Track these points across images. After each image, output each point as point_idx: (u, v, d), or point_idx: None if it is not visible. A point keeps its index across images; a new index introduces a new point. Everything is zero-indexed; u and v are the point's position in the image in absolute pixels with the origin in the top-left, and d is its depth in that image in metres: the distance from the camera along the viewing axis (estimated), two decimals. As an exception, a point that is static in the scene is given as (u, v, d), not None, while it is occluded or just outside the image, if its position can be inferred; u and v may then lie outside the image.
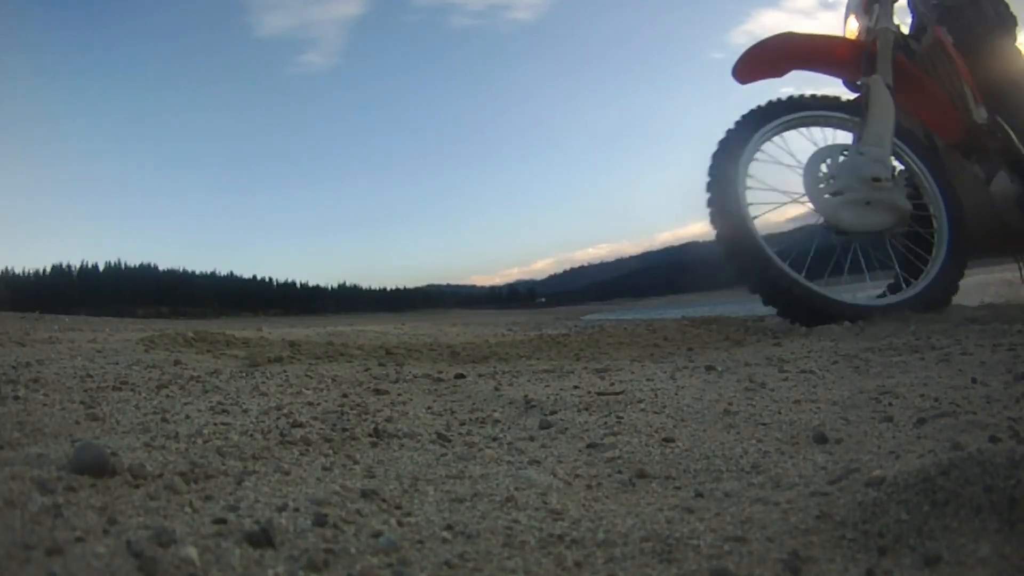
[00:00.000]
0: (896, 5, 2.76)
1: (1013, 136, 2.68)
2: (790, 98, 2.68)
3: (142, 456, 0.71)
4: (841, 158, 2.49)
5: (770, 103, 2.68)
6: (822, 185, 2.49)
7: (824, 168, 2.50)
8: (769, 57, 2.71)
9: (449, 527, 0.59)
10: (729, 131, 2.62)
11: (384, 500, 0.65)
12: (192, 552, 0.48)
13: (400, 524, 0.60)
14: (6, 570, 0.44)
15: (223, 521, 0.55)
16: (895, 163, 2.59)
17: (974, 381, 1.11)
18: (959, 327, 1.92)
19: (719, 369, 1.46)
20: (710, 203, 2.43)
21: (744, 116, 2.68)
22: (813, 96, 2.72)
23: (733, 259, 2.36)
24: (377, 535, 0.56)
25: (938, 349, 1.56)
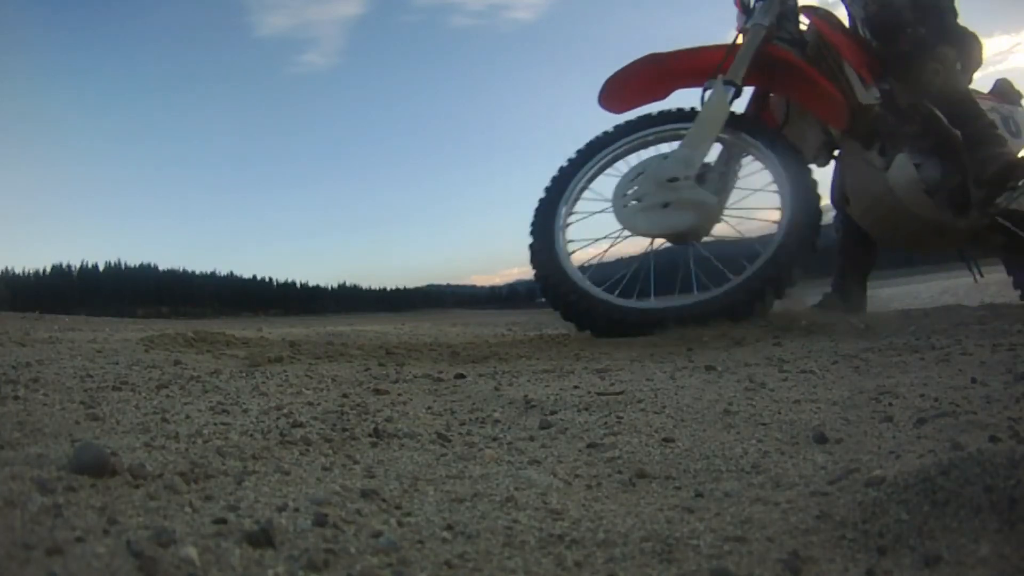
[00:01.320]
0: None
1: (940, 116, 2.52)
2: (633, 119, 2.66)
3: (142, 456, 0.71)
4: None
5: (609, 131, 2.66)
6: (624, 196, 2.40)
7: (631, 179, 2.44)
8: (639, 82, 2.66)
9: (449, 527, 0.59)
10: (561, 167, 2.63)
11: (384, 500, 0.65)
12: (192, 552, 0.48)
13: (400, 524, 0.60)
14: (6, 570, 0.44)
15: (223, 521, 0.55)
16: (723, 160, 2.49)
17: (974, 381, 1.11)
18: (959, 327, 1.92)
19: (719, 369, 1.46)
20: (530, 247, 2.48)
21: (580, 149, 2.66)
22: (661, 112, 2.65)
23: (538, 282, 2.38)
24: (377, 535, 0.56)
25: (938, 349, 1.56)
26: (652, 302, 2.26)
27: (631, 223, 2.34)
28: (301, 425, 0.91)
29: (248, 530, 0.53)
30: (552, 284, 2.32)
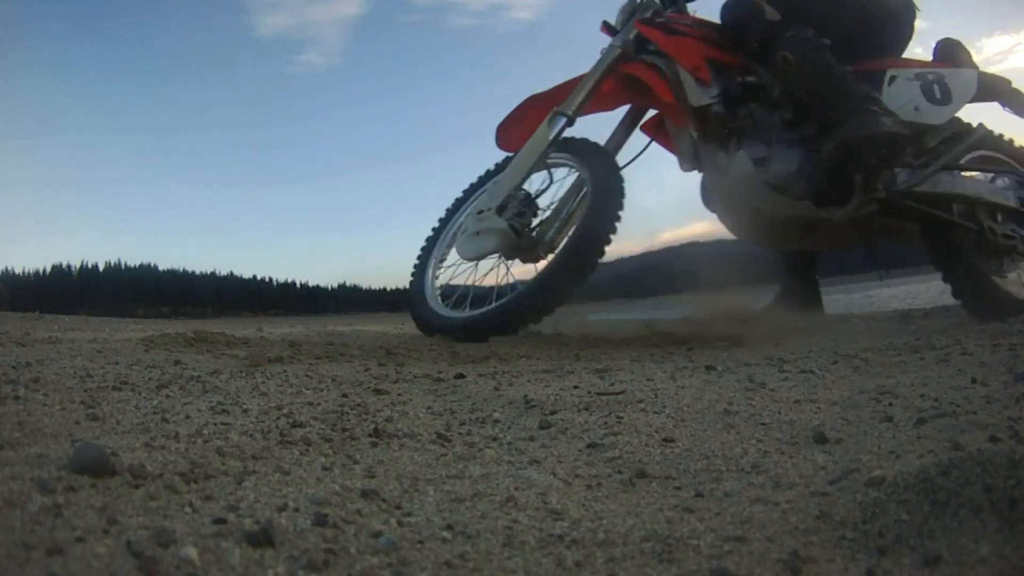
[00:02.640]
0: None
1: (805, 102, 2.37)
2: (501, 160, 2.76)
3: (142, 456, 0.71)
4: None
5: (489, 168, 2.80)
6: (458, 227, 2.67)
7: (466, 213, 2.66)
8: (526, 123, 2.70)
9: (449, 527, 0.59)
10: (447, 207, 2.84)
11: (384, 500, 0.65)
12: (192, 552, 0.48)
13: (400, 524, 0.60)
14: (6, 570, 0.44)
15: (223, 521, 0.55)
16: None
17: (974, 381, 1.11)
18: (959, 327, 1.92)
19: (719, 369, 1.46)
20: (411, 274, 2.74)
21: (465, 188, 2.84)
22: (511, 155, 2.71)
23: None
24: (377, 535, 0.56)
25: (938, 349, 1.56)
26: (455, 313, 2.50)
27: (458, 250, 2.60)
28: (301, 425, 0.91)
29: (248, 530, 0.53)
30: (411, 301, 2.66)
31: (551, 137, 2.48)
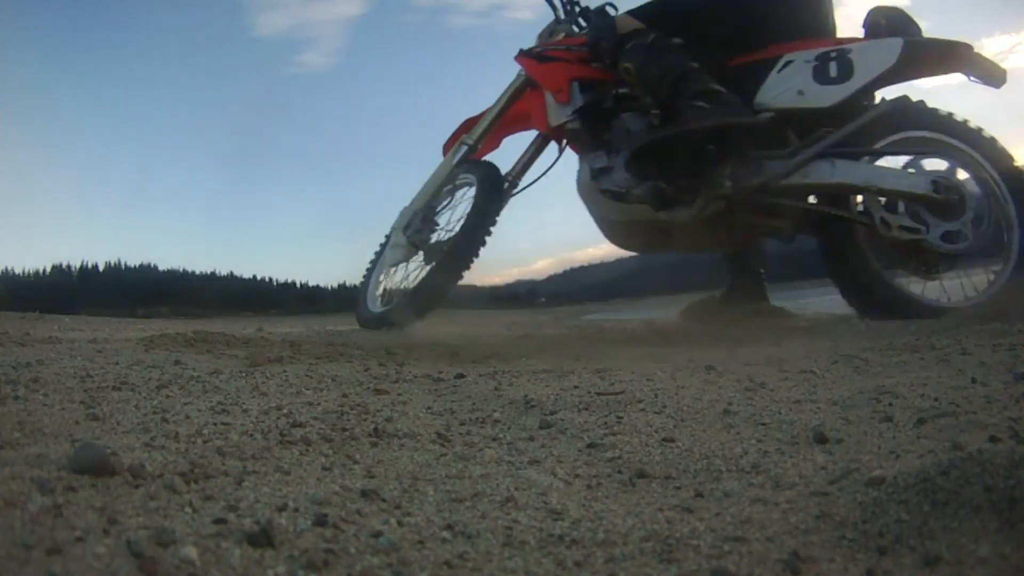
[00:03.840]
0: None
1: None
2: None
3: (142, 456, 0.71)
4: None
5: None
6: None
7: None
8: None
9: (449, 527, 0.59)
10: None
11: (384, 500, 0.65)
12: (192, 552, 0.48)
13: (400, 524, 0.60)
14: (6, 570, 0.44)
15: (223, 521, 0.55)
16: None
17: (974, 381, 1.11)
18: (959, 327, 1.92)
19: (719, 369, 1.46)
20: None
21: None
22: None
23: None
24: (377, 535, 0.56)
25: (938, 349, 1.56)
26: (378, 309, 2.89)
27: (386, 259, 2.98)
28: (301, 425, 0.91)
29: (248, 530, 0.53)
30: (355, 299, 3.05)
31: (453, 162, 2.85)
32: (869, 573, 0.49)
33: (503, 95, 2.87)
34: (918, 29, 2.42)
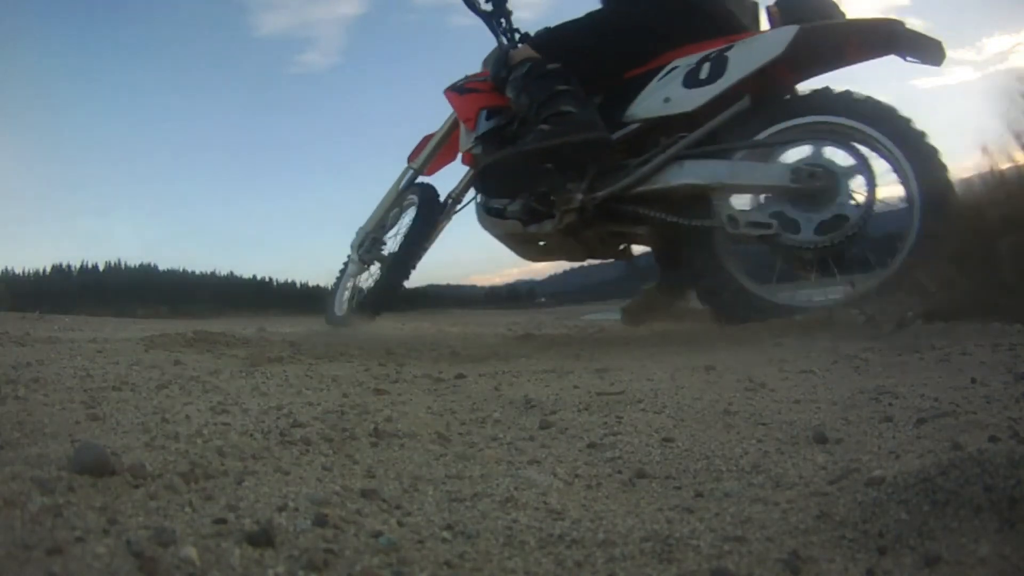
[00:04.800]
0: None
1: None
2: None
3: (142, 456, 0.71)
4: None
5: None
6: None
7: None
8: (442, 153, 3.15)
9: (449, 527, 0.59)
10: None
11: (384, 500, 0.65)
12: (192, 552, 0.48)
13: (400, 524, 0.60)
14: (6, 570, 0.44)
15: (223, 521, 0.55)
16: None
17: (974, 381, 1.11)
18: (959, 327, 1.92)
19: (719, 369, 1.46)
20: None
21: None
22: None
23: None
24: (377, 535, 0.56)
25: (938, 349, 1.56)
26: (342, 312, 3.26)
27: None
28: (301, 425, 0.91)
29: (248, 530, 0.53)
30: (326, 305, 3.40)
31: (400, 186, 3.16)
32: (869, 573, 0.49)
33: (445, 122, 3.07)
34: (836, 12, 2.30)
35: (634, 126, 2.31)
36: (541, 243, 2.60)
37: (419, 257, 3.04)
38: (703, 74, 2.23)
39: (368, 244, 3.18)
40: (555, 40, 2.51)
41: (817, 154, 2.16)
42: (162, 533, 0.50)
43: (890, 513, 0.55)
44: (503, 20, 2.78)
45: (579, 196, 2.29)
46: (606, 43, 2.42)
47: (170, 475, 0.65)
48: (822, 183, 2.07)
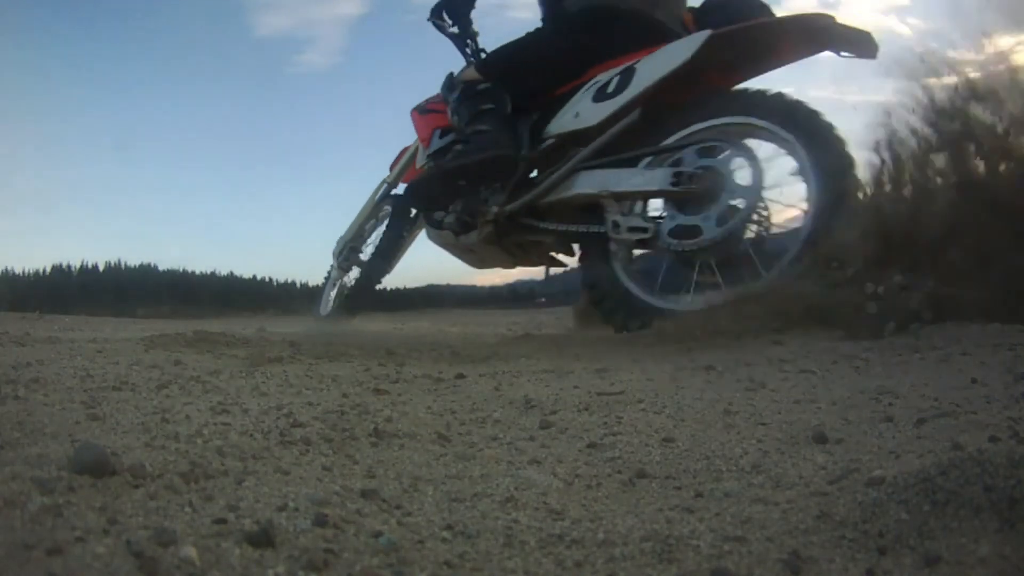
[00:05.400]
0: None
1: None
2: None
3: (142, 456, 0.71)
4: None
5: None
6: None
7: None
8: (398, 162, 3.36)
9: (449, 527, 0.59)
10: None
11: (384, 500, 0.65)
12: (192, 552, 0.48)
13: (400, 524, 0.60)
14: (6, 570, 0.44)
15: (223, 521, 0.55)
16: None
17: (974, 381, 1.11)
18: (959, 327, 1.92)
19: (719, 369, 1.46)
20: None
21: None
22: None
23: None
24: (377, 535, 0.56)
25: (938, 349, 1.56)
26: (324, 313, 3.56)
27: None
28: (301, 425, 0.91)
29: (248, 530, 0.53)
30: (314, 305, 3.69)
31: (376, 198, 3.35)
32: (869, 573, 0.49)
33: (414, 143, 3.18)
34: (765, 14, 2.30)
35: (550, 141, 2.40)
36: (473, 252, 2.74)
37: (389, 264, 3.31)
38: (610, 88, 2.28)
39: (347, 252, 3.44)
40: (496, 61, 2.63)
41: (711, 155, 2.15)
42: (162, 533, 0.50)
43: (890, 513, 0.55)
44: (469, 41, 2.84)
45: (494, 209, 2.44)
46: (540, 61, 2.51)
47: (170, 475, 0.65)
48: (704, 185, 2.08)
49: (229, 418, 0.95)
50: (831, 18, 2.12)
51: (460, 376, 1.45)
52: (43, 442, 0.76)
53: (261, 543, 0.51)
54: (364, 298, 3.40)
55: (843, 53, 2.12)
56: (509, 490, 0.70)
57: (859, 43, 2.10)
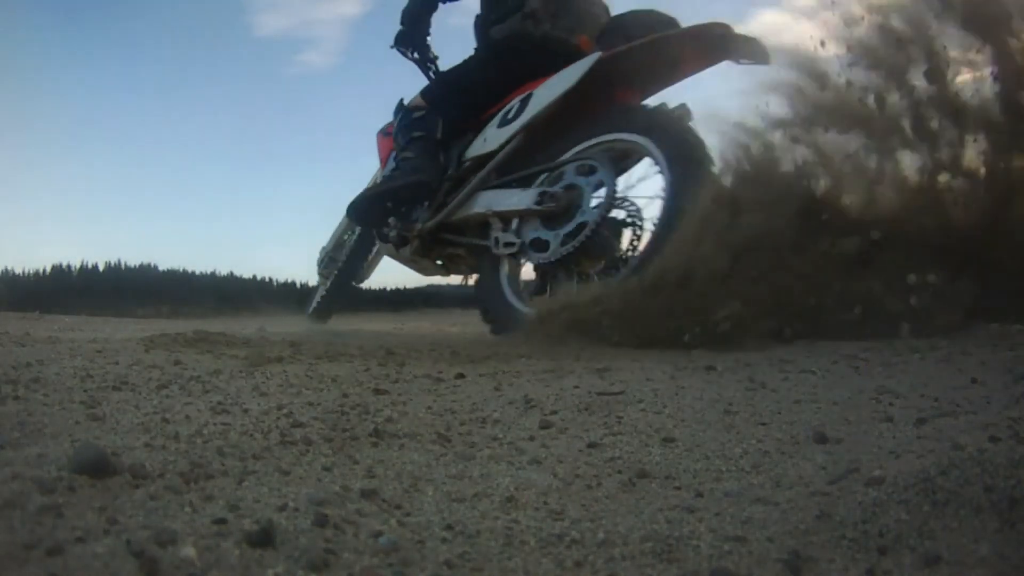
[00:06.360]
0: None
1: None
2: None
3: (142, 456, 0.71)
4: None
5: None
6: None
7: None
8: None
9: (449, 527, 0.59)
10: None
11: (384, 500, 0.65)
12: (192, 552, 0.48)
13: (400, 524, 0.60)
14: (6, 570, 0.44)
15: (223, 521, 0.55)
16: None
17: (974, 381, 1.11)
18: (959, 327, 1.92)
19: (719, 369, 1.46)
20: None
21: None
22: None
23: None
24: (377, 535, 0.56)
25: (938, 349, 1.56)
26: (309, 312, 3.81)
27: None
28: (301, 425, 0.91)
29: (248, 530, 0.53)
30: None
31: (346, 218, 3.47)
32: (869, 573, 0.49)
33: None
34: (669, 26, 2.39)
35: (467, 163, 2.61)
36: (413, 262, 2.99)
37: (358, 273, 3.58)
38: (511, 114, 2.48)
39: (326, 262, 3.71)
40: (434, 87, 2.84)
41: (586, 173, 2.30)
42: (162, 533, 0.50)
43: (890, 513, 0.55)
44: (430, 64, 3.00)
45: (419, 226, 2.68)
46: (470, 86, 2.70)
47: (170, 475, 0.65)
48: (563, 203, 2.27)
49: (229, 418, 0.95)
50: (726, 27, 2.23)
51: (460, 376, 1.45)
52: (43, 442, 0.76)
53: (261, 543, 0.51)
54: (332, 306, 3.71)
55: (742, 61, 2.24)
56: (509, 490, 0.70)
57: (753, 51, 2.21)
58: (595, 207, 2.23)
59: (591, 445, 0.88)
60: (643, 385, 1.28)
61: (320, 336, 2.54)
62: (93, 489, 0.59)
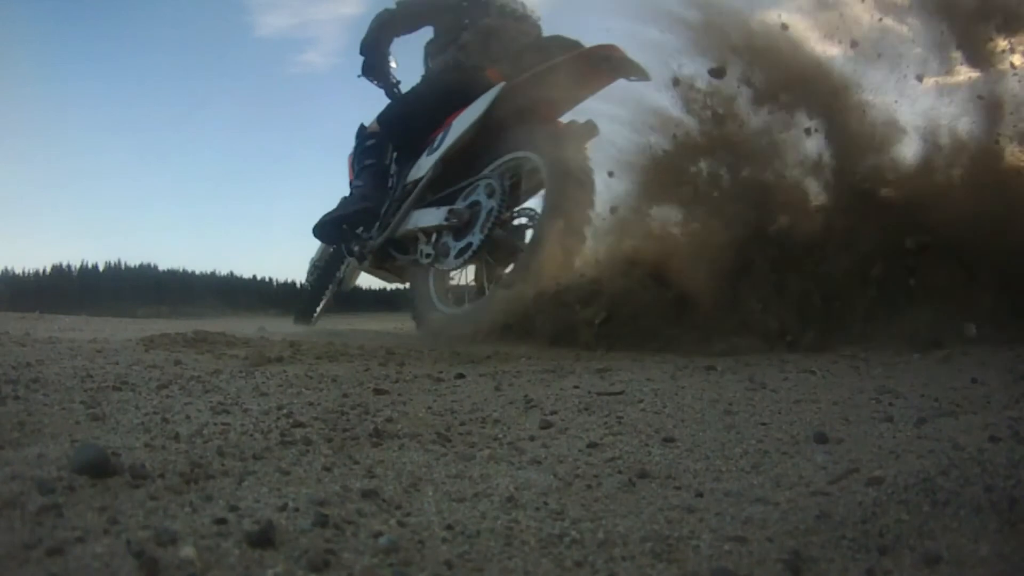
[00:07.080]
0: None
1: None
2: None
3: (142, 456, 0.71)
4: None
5: None
6: None
7: None
8: None
9: (449, 527, 0.59)
10: None
11: (384, 500, 0.65)
12: (192, 552, 0.48)
13: (400, 524, 0.60)
14: (6, 570, 0.44)
15: (223, 521, 0.55)
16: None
17: (974, 381, 1.11)
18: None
19: (719, 369, 1.46)
20: None
21: None
22: None
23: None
24: (377, 535, 0.56)
25: (938, 349, 1.56)
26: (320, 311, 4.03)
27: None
28: (302, 425, 0.91)
29: (248, 530, 0.53)
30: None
31: None
32: (869, 573, 0.49)
33: None
34: (574, 49, 2.61)
35: (408, 187, 2.86)
36: (377, 273, 3.32)
37: (342, 281, 3.76)
38: (436, 142, 2.76)
39: (315, 272, 3.96)
40: (390, 112, 3.06)
41: (483, 193, 2.57)
42: (162, 533, 0.50)
43: (890, 513, 0.55)
44: (395, 88, 3.23)
45: (369, 243, 2.98)
46: (415, 112, 2.94)
47: (170, 475, 0.65)
48: (464, 220, 2.57)
49: (229, 418, 0.95)
50: (615, 49, 2.50)
51: (460, 376, 1.45)
52: (43, 442, 0.76)
53: (261, 543, 0.51)
54: (308, 313, 3.99)
55: (631, 78, 2.50)
56: (509, 490, 0.70)
57: (638, 70, 2.48)
58: (485, 225, 2.52)
59: (591, 445, 0.88)
60: (643, 385, 1.28)
61: (320, 336, 2.54)
62: (93, 489, 0.59)
